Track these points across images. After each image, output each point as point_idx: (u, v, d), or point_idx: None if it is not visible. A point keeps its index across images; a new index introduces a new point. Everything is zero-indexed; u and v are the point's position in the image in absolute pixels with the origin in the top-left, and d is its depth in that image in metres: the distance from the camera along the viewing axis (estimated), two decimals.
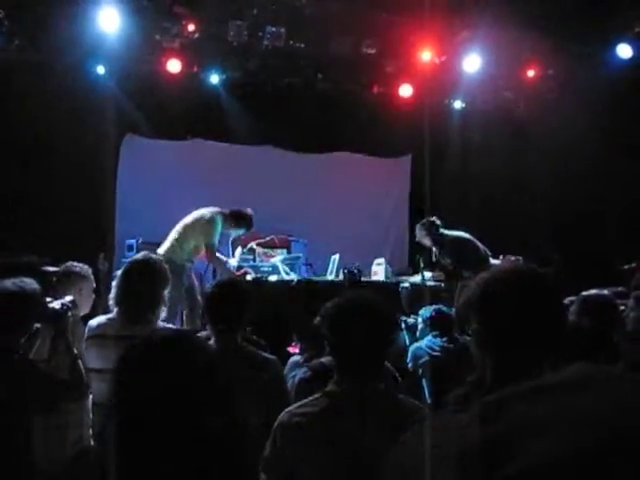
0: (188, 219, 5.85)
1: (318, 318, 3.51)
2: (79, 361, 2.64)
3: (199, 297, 5.70)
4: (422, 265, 6.45)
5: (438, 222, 6.39)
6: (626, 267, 6.51)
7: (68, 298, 2.79)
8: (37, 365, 2.57)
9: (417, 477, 0.82)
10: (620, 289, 5.52)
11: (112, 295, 2.90)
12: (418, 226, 6.47)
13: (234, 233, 6.13)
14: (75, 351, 2.66)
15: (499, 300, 1.36)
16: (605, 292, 3.39)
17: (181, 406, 1.02)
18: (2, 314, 2.52)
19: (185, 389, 1.04)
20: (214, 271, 6.45)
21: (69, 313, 2.68)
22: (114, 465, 1.06)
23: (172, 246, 5.73)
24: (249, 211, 6.04)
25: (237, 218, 5.96)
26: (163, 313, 2.93)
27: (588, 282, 3.65)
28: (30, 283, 2.59)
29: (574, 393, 0.51)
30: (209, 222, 5.74)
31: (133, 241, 7.31)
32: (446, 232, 6.42)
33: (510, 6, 6.63)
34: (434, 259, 6.53)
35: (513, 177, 8.67)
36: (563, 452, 0.46)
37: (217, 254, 5.87)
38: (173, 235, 5.81)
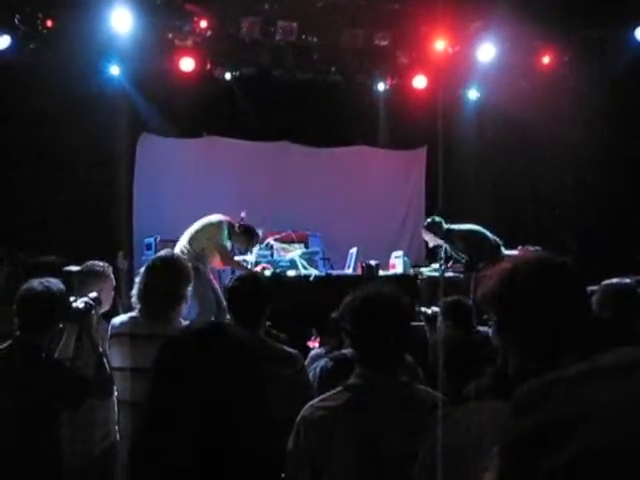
0: (195, 225, 5.98)
1: (336, 311, 3.53)
2: (104, 359, 2.67)
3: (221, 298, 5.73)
4: (440, 256, 6.43)
5: (440, 219, 6.37)
6: None
7: (92, 295, 2.82)
8: (63, 363, 2.61)
9: (458, 463, 0.81)
10: None
11: (134, 292, 2.92)
12: (423, 229, 6.47)
13: (239, 247, 6.19)
14: (100, 349, 2.69)
15: (522, 292, 1.33)
16: (627, 280, 3.35)
17: (219, 398, 1.02)
18: (29, 313, 2.56)
19: (224, 381, 1.03)
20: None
21: (93, 311, 2.71)
22: (141, 459, 1.07)
23: (181, 251, 5.82)
24: (258, 230, 6.14)
25: (244, 232, 6.04)
26: (184, 310, 2.94)
27: (609, 271, 3.61)
28: (56, 283, 2.63)
29: (627, 376, 0.49)
30: (215, 226, 5.91)
31: (151, 239, 7.37)
32: (452, 227, 6.39)
33: None
34: (443, 255, 6.51)
35: (530, 166, 8.58)
36: (617, 439, 0.45)
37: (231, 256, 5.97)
38: (182, 241, 5.93)
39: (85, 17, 6.67)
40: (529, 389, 0.53)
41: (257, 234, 6.13)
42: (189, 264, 3.06)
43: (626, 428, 0.45)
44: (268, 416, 1.10)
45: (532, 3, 6.67)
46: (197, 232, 5.89)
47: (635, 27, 7.38)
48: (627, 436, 0.45)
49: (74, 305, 2.67)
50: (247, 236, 6.06)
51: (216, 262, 6.02)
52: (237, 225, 6.05)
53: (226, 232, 5.95)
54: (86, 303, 2.70)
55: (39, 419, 2.47)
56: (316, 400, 1.94)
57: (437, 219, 6.39)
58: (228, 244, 6.00)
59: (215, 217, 6.01)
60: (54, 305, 2.58)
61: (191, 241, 5.86)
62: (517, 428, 0.50)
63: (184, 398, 1.01)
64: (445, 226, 6.36)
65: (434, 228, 6.36)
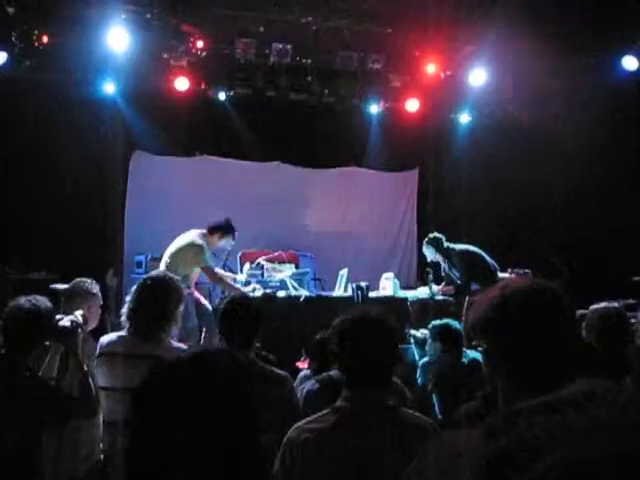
0: (172, 248, 5.70)
1: (320, 332, 3.53)
2: (89, 378, 2.65)
3: (193, 320, 5.54)
4: (430, 279, 6.45)
5: (440, 236, 6.45)
6: (637, 279, 6.49)
7: (78, 312, 2.80)
8: (48, 382, 2.58)
9: None
10: (631, 301, 5.50)
11: (124, 311, 2.89)
12: (425, 244, 6.53)
13: (226, 245, 5.98)
14: (85, 368, 2.67)
15: (514, 321, 1.33)
16: (615, 304, 3.37)
17: (205, 428, 1.02)
18: (15, 332, 2.53)
19: (211, 411, 1.03)
20: None
21: (79, 330, 2.69)
22: None
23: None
24: (223, 218, 5.87)
25: (217, 230, 5.79)
26: (175, 331, 2.92)
27: (599, 294, 3.63)
28: (43, 301, 2.61)
29: (584, 407, 0.54)
30: (195, 248, 5.60)
31: (142, 257, 7.35)
32: (452, 246, 6.45)
33: (515, 19, 6.67)
34: (443, 274, 6.56)
35: (521, 189, 8.66)
36: (572, 463, 0.49)
37: (217, 272, 5.80)
38: (162, 266, 5.64)
39: (82, 35, 6.72)
40: (499, 416, 0.58)
41: (225, 221, 5.81)
42: (182, 285, 3.03)
43: (580, 453, 0.49)
44: (259, 442, 1.10)
45: (524, 29, 6.78)
46: (177, 255, 5.59)
47: (622, 56, 7.51)
48: (580, 461, 0.49)
49: (60, 324, 2.65)
50: (224, 229, 5.79)
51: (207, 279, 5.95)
52: (207, 230, 5.75)
53: (206, 247, 5.65)
54: (72, 322, 2.67)
55: (23, 438, 2.43)
56: (302, 422, 1.93)
57: (437, 235, 6.48)
58: (212, 262, 5.77)
59: (189, 238, 5.68)
60: (41, 324, 2.56)
61: (170, 265, 5.48)
62: (487, 451, 0.54)
63: (173, 429, 1.01)
64: (446, 244, 6.43)
65: (436, 244, 6.42)
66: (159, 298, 2.84)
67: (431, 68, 7.93)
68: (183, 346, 3.27)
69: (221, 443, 1.03)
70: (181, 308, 2.94)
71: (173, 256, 5.61)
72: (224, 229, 5.83)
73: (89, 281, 3.34)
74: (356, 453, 1.79)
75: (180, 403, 1.03)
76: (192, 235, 5.71)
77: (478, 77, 7.95)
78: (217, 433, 1.03)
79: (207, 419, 1.02)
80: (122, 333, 2.88)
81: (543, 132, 8.23)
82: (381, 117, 8.79)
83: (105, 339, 2.88)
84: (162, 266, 5.60)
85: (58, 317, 2.69)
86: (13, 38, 6.70)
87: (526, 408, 0.56)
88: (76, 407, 2.56)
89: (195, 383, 1.05)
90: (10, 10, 6.36)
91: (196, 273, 5.73)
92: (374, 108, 8.65)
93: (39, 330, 2.56)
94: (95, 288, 3.33)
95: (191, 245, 5.60)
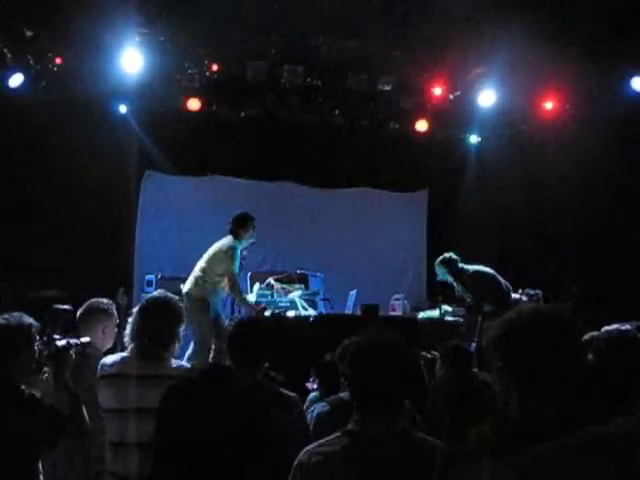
0: (209, 252, 6.09)
1: (330, 354, 3.52)
2: (78, 400, 2.62)
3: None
4: (440, 299, 6.41)
5: (456, 257, 6.34)
6: None
7: (84, 339, 2.78)
8: (39, 399, 2.55)
9: None
10: None
11: (127, 332, 2.89)
12: (437, 263, 6.40)
13: (252, 239, 6.30)
14: (71, 386, 2.64)
15: (523, 340, 1.44)
16: (627, 326, 3.34)
17: (227, 444, 1.03)
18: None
19: (233, 427, 1.05)
20: (232, 305, 6.50)
21: (72, 350, 2.67)
22: None
23: (195, 281, 5.96)
24: (242, 213, 6.27)
25: (243, 225, 6.16)
26: (177, 350, 2.91)
27: (610, 315, 3.60)
28: (19, 316, 2.59)
29: (627, 448, 0.54)
30: (228, 250, 5.99)
31: (152, 276, 7.39)
32: (466, 267, 6.34)
33: (524, 41, 6.71)
34: (457, 294, 6.45)
35: (531, 210, 8.64)
36: None
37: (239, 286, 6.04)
38: (196, 270, 6.05)
39: (96, 57, 6.85)
40: (533, 457, 0.57)
41: (245, 215, 6.23)
42: (182, 304, 3.04)
43: None
44: (276, 461, 1.12)
45: (533, 50, 6.82)
46: (211, 260, 6.02)
47: (632, 77, 7.52)
48: None
49: (55, 343, 2.64)
50: (247, 223, 6.18)
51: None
52: (235, 229, 6.13)
53: (238, 250, 6.05)
54: (67, 342, 2.66)
55: (19, 456, 2.42)
56: (313, 445, 1.92)
57: (453, 256, 6.35)
58: (237, 268, 6.07)
59: (225, 241, 6.09)
60: (19, 335, 2.53)
61: (205, 271, 5.99)
62: None
63: (191, 443, 1.02)
64: (459, 265, 6.31)
65: (448, 264, 6.31)
66: (160, 319, 2.83)
67: (440, 90, 7.98)
68: (186, 365, 3.27)
69: (238, 462, 1.04)
70: (182, 327, 2.93)
71: (209, 258, 6.04)
72: (246, 222, 6.21)
73: (105, 301, 3.33)
74: (368, 478, 1.78)
75: (196, 423, 1.04)
76: (226, 239, 6.12)
77: (487, 98, 7.99)
78: (232, 452, 1.04)
79: (232, 436, 1.04)
80: (125, 354, 2.85)
81: (552, 153, 8.23)
82: (391, 138, 8.84)
83: (108, 360, 2.84)
84: (196, 271, 6.04)
85: (56, 337, 2.68)
86: (31, 62, 6.83)
87: (561, 447, 0.56)
88: (65, 426, 2.53)
89: (215, 401, 1.07)
90: (28, 33, 6.48)
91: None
92: (384, 129, 8.70)
93: (17, 342, 2.54)
94: (111, 308, 3.33)
95: (225, 248, 6.03)
